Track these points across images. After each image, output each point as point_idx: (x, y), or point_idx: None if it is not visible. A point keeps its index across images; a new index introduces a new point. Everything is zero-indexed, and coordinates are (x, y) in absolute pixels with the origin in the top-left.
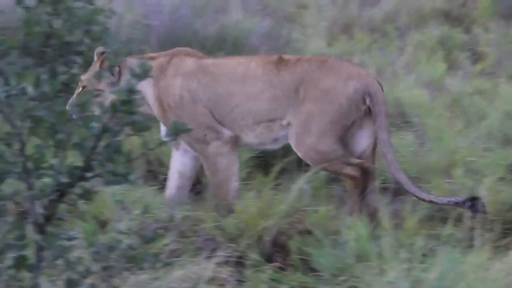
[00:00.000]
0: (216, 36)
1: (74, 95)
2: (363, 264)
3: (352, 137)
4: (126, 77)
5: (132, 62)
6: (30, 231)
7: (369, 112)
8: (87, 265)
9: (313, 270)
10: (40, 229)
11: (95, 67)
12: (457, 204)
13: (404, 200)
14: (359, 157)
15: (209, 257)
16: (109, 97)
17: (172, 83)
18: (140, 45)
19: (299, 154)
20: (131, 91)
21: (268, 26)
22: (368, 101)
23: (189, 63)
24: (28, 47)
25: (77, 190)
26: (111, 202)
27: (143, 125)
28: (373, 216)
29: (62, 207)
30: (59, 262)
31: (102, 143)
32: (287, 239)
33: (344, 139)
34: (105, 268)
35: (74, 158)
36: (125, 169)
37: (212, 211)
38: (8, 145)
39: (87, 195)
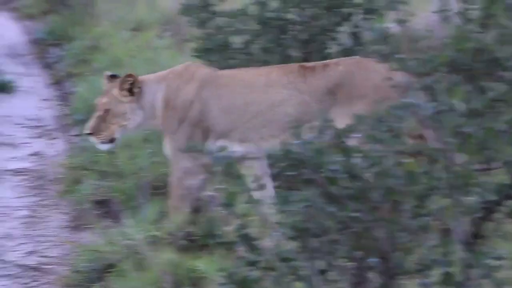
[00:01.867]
0: None
1: (92, 119)
2: None
3: None
4: (148, 98)
5: (153, 82)
6: (455, 248)
7: None
8: None
9: None
10: (467, 246)
11: (110, 90)
12: None
13: None
14: None
15: None
16: (132, 119)
17: (184, 87)
18: None
19: None
20: None
21: None
22: None
23: (204, 72)
24: (456, 64)
25: (503, 208)
26: None
27: None
28: None
29: (488, 225)
30: (486, 281)
31: None
32: None
33: None
34: None
35: (503, 176)
36: None
37: None
38: (435, 161)
39: None
